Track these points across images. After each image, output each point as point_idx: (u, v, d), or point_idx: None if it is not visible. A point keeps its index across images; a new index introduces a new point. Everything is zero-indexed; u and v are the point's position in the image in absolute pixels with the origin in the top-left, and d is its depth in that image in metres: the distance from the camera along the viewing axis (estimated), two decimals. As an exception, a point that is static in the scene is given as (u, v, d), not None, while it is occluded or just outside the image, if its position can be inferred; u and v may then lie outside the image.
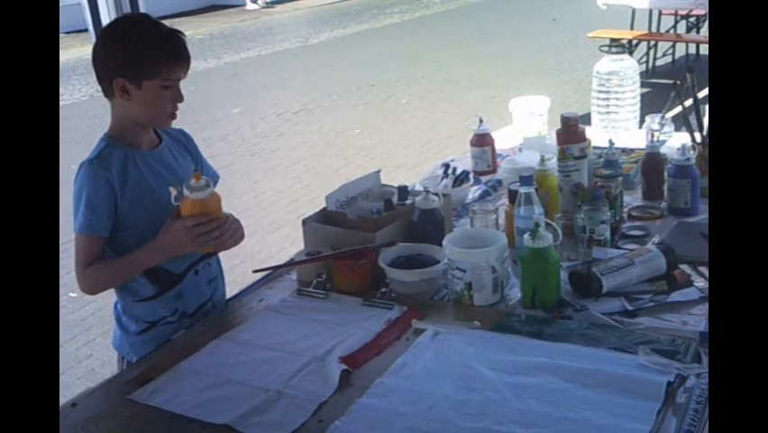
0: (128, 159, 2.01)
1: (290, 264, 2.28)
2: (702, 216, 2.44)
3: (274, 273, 2.28)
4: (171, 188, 1.95)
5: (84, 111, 8.80)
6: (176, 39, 1.99)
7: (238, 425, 1.57)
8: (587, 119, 3.45)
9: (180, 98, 2.02)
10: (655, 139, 2.87)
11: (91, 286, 2.05)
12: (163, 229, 1.97)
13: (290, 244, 4.91)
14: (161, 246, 1.98)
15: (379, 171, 2.55)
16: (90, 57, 2.00)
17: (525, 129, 3.32)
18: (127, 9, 2.86)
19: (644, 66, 8.66)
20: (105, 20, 2.83)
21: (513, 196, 2.22)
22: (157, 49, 1.96)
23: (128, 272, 2.04)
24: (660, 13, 8.93)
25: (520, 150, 3.18)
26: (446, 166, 2.90)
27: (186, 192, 1.94)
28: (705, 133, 2.63)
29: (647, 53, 8.90)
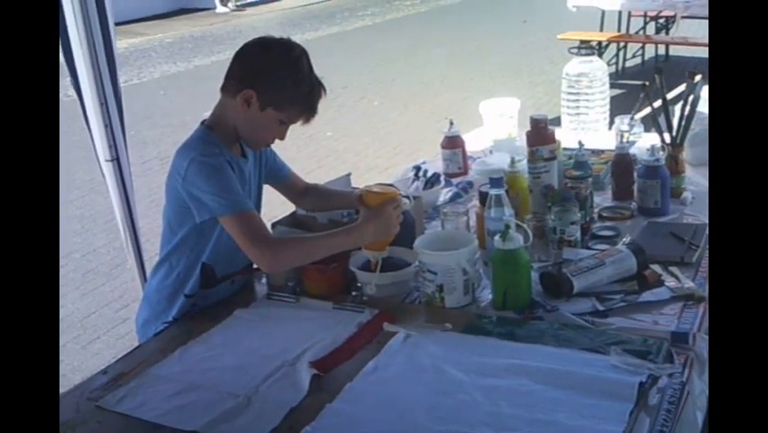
0: (225, 154, 2.03)
1: (253, 270, 2.21)
2: (672, 215, 2.46)
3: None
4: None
5: (64, 112, 8.70)
6: (319, 92, 2.03)
7: (207, 431, 1.55)
8: (558, 121, 3.46)
9: (282, 137, 2.08)
10: (625, 140, 2.88)
11: (278, 261, 1.98)
12: (370, 214, 2.01)
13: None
14: (366, 230, 2.01)
15: (349, 174, 2.53)
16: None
17: (495, 131, 3.33)
18: (93, 11, 2.82)
19: (613, 67, 8.73)
20: (71, 21, 2.78)
21: (483, 198, 2.22)
22: (302, 93, 2.00)
23: (315, 253, 2.00)
24: (629, 15, 9.02)
25: (491, 152, 3.19)
26: (417, 168, 2.90)
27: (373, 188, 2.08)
28: (674, 133, 2.65)
29: (617, 54, 8.97)
